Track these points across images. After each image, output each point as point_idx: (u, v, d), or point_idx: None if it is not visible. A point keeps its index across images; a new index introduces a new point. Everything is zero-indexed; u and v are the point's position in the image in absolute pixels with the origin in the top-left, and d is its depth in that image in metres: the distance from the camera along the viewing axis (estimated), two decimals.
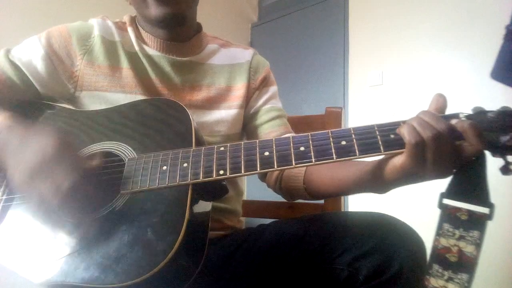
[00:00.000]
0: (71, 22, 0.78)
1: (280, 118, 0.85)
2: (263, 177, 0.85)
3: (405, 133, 0.47)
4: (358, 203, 2.14)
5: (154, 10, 0.72)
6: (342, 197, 0.99)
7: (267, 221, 0.79)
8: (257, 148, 0.54)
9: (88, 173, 0.54)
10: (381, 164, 0.53)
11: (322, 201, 0.98)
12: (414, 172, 0.49)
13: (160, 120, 0.65)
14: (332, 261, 0.60)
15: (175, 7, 0.72)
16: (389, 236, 0.58)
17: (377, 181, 0.55)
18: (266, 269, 0.67)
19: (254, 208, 1.08)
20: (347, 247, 0.59)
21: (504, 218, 1.63)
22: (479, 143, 0.46)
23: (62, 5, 1.78)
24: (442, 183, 0.49)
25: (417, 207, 1.74)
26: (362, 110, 2.30)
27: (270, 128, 0.83)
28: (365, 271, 0.57)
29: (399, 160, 0.49)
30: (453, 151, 0.47)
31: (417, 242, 0.58)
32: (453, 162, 0.48)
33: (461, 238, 0.46)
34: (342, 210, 0.99)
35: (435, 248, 0.47)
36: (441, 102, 0.51)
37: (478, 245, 0.45)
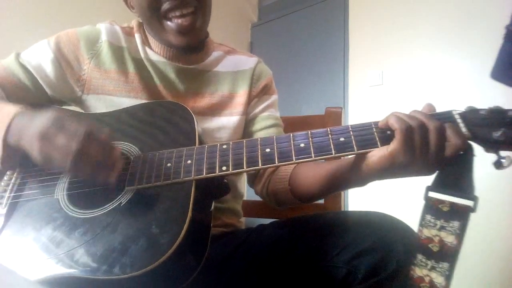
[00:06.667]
0: (77, 24, 0.79)
1: (276, 127, 0.86)
2: (251, 183, 0.86)
3: (393, 122, 0.50)
4: (358, 203, 2.15)
5: (174, 39, 0.75)
6: (342, 197, 0.99)
7: (267, 221, 0.80)
8: (259, 145, 0.56)
9: (97, 134, 0.55)
10: (365, 156, 0.53)
11: (322, 201, 0.98)
12: (403, 161, 0.49)
13: (165, 121, 0.67)
14: (331, 259, 0.60)
15: (194, 37, 0.76)
16: (387, 234, 0.58)
17: (359, 172, 0.55)
18: (266, 267, 0.67)
19: (254, 208, 1.08)
20: (346, 246, 0.60)
21: (504, 218, 1.63)
22: (459, 140, 0.48)
23: (65, 8, 1.78)
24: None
25: (415, 206, 1.74)
26: (362, 110, 2.30)
27: (265, 136, 0.83)
28: (363, 269, 0.57)
29: (389, 147, 0.50)
30: (438, 143, 0.49)
31: (415, 240, 0.58)
32: (439, 157, 0.49)
33: (442, 228, 0.48)
34: (342, 210, 0.99)
35: (418, 239, 0.49)
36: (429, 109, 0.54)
37: (458, 235, 0.47)
